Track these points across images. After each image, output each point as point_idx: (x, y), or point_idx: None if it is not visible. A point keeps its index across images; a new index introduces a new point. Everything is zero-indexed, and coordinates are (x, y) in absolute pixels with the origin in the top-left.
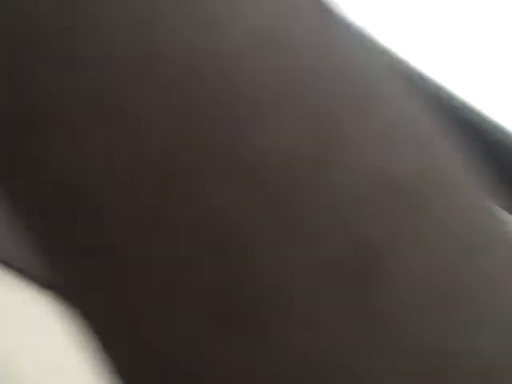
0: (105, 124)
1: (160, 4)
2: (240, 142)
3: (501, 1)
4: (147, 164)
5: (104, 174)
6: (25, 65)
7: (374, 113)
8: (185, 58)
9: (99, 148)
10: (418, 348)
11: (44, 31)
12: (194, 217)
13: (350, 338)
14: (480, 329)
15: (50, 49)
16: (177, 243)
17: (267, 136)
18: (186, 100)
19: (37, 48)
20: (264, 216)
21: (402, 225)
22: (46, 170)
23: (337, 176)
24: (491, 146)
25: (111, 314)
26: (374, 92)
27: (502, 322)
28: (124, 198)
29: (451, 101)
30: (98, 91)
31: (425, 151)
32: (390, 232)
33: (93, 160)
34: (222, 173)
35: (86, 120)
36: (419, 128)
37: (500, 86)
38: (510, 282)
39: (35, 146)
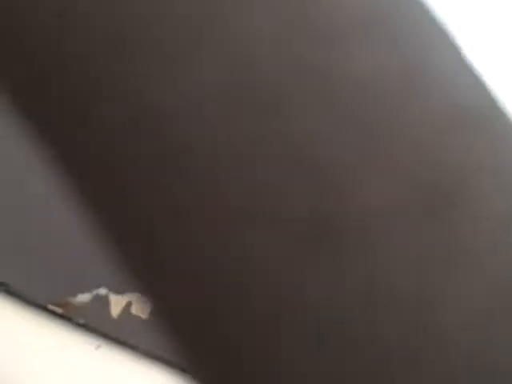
0: None
1: None
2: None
3: None
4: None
5: None
6: None
7: None
8: None
9: None
10: (491, 267)
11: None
12: (281, 143)
13: (428, 261)
14: None
15: None
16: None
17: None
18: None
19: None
20: (351, 136)
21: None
22: None
23: (413, 110)
24: None
25: None
26: None
27: None
28: None
29: None
30: None
31: None
32: (468, 160)
33: None
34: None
35: None
36: None
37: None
38: None
39: None
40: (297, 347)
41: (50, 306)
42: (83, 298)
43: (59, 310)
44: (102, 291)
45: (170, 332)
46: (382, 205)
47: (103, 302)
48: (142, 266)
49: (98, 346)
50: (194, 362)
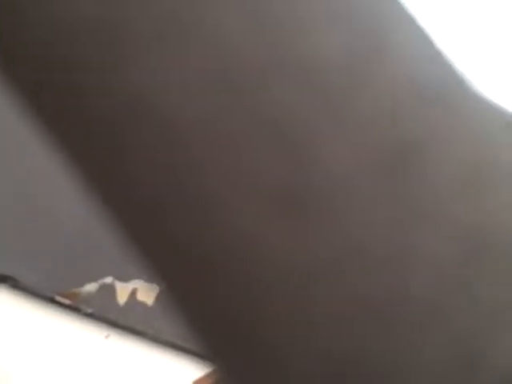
0: None
1: None
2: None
3: None
4: None
5: None
6: None
7: None
8: None
9: None
10: (454, 224)
11: None
12: (259, 118)
13: (387, 214)
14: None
15: None
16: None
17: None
18: None
19: None
20: (321, 110)
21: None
22: None
23: (374, 83)
24: None
25: None
26: None
27: None
28: None
29: None
30: None
31: None
32: (423, 131)
33: None
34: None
35: None
36: None
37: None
38: None
39: None
40: (280, 303)
41: (58, 298)
42: (90, 287)
43: (67, 301)
44: (108, 280)
45: (180, 313)
46: (345, 172)
47: (109, 290)
48: (152, 248)
49: (108, 335)
50: (204, 341)
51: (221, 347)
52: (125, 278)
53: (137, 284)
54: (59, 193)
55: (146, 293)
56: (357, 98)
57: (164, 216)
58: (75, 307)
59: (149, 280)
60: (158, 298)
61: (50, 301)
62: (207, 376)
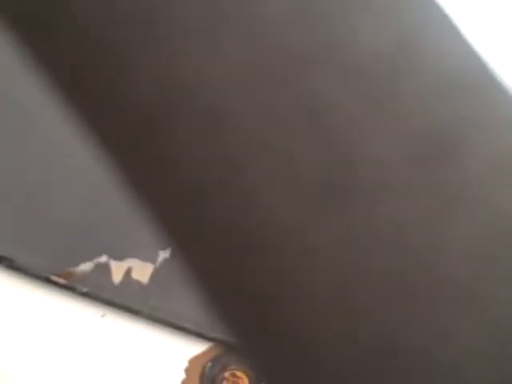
0: None
1: None
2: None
3: None
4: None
5: None
6: None
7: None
8: None
9: None
10: (492, 212)
11: None
12: (301, 110)
13: (426, 204)
14: None
15: None
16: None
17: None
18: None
19: None
20: (360, 102)
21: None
22: None
23: (412, 77)
24: None
25: None
26: None
27: None
28: None
29: None
30: None
31: None
32: (457, 121)
33: None
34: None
35: None
36: None
37: None
38: None
39: None
40: (315, 291)
41: (53, 277)
42: (85, 267)
43: (62, 281)
44: (103, 259)
45: (203, 293)
46: (384, 163)
47: (104, 269)
48: (174, 226)
49: (104, 314)
50: (224, 317)
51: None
52: (119, 257)
53: (132, 263)
54: (54, 173)
55: (141, 271)
56: (396, 90)
57: (203, 203)
58: (71, 287)
59: (144, 258)
60: (152, 277)
61: (46, 280)
62: (203, 354)
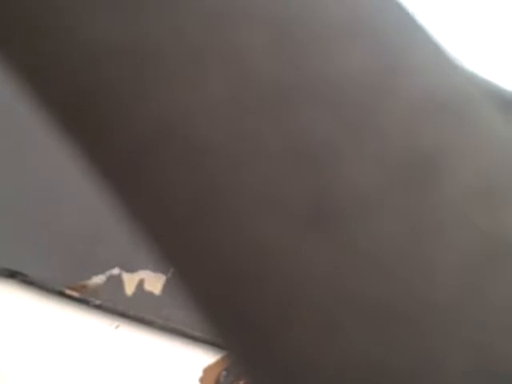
0: None
1: None
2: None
3: None
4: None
5: None
6: None
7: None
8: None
9: None
10: (469, 239)
11: None
12: (284, 137)
13: (406, 227)
14: None
15: None
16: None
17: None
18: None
19: None
20: (342, 128)
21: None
22: None
23: (396, 101)
24: None
25: None
26: None
27: None
28: None
29: None
30: None
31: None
32: (439, 143)
33: None
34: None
35: None
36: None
37: None
38: None
39: None
40: (306, 315)
41: (67, 291)
42: (97, 279)
43: (75, 294)
44: (115, 271)
45: (191, 300)
46: (363, 188)
47: (117, 281)
48: (169, 250)
49: (117, 326)
50: (214, 327)
51: (235, 336)
52: (132, 269)
53: (144, 274)
54: (66, 187)
55: (153, 282)
56: (377, 114)
57: (190, 226)
58: (84, 299)
59: (155, 270)
60: (165, 287)
61: (59, 294)
62: (217, 363)
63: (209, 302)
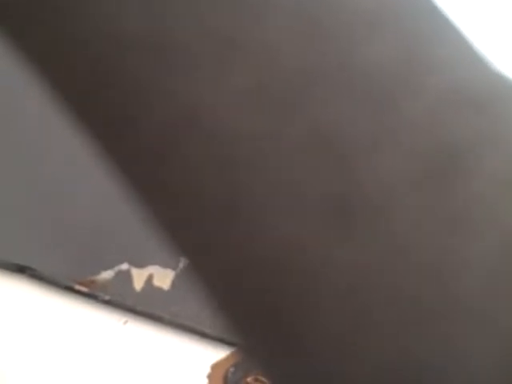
0: None
1: None
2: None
3: None
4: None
5: None
6: None
7: None
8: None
9: None
10: (501, 230)
11: None
12: (310, 129)
13: (435, 221)
14: None
15: None
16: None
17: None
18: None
19: None
20: (367, 121)
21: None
22: None
23: (422, 94)
24: None
25: None
26: None
27: None
28: None
29: None
30: None
31: None
32: (467, 136)
33: None
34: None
35: None
36: None
37: None
38: None
39: None
40: (325, 308)
41: (76, 286)
42: (106, 274)
43: (84, 289)
44: (124, 266)
45: (208, 294)
46: (392, 181)
47: (126, 276)
48: (186, 243)
49: (126, 321)
50: (230, 322)
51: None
52: (140, 264)
53: (152, 269)
54: (76, 181)
55: (162, 278)
56: (405, 108)
57: (212, 221)
58: (93, 295)
59: (164, 265)
60: (174, 283)
61: (68, 289)
62: (225, 359)
63: (223, 296)
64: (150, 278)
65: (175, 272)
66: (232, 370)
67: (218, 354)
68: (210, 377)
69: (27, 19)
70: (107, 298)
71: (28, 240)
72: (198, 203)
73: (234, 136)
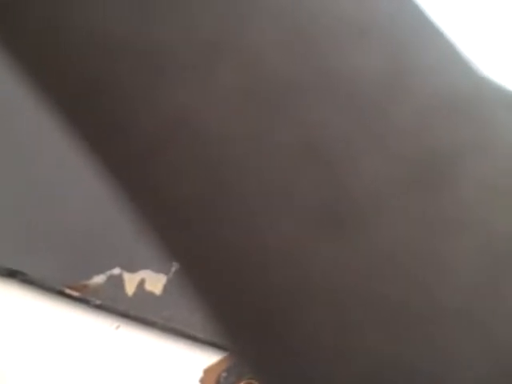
0: None
1: None
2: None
3: None
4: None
5: None
6: None
7: None
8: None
9: None
10: (488, 234)
11: None
12: (297, 134)
13: (422, 227)
14: None
15: None
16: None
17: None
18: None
19: None
20: (355, 127)
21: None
22: None
23: (408, 99)
24: None
25: None
26: None
27: None
28: None
29: None
30: None
31: None
32: (455, 142)
33: None
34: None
35: None
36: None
37: None
38: None
39: None
40: (313, 313)
41: (67, 290)
42: (98, 279)
43: (76, 294)
44: (116, 271)
45: (198, 298)
46: (379, 186)
47: (118, 281)
48: (178, 248)
49: (118, 326)
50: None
51: (239, 334)
52: (132, 269)
53: (144, 274)
54: (67, 187)
55: (154, 282)
56: (391, 114)
57: (200, 222)
58: (84, 299)
59: (156, 270)
60: (165, 288)
61: (60, 293)
62: (218, 364)
63: (214, 299)
64: (141, 283)
65: (167, 277)
66: (224, 374)
67: (210, 358)
68: (202, 381)
69: (17, 24)
70: (99, 302)
71: (19, 244)
72: (187, 206)
73: (221, 138)
